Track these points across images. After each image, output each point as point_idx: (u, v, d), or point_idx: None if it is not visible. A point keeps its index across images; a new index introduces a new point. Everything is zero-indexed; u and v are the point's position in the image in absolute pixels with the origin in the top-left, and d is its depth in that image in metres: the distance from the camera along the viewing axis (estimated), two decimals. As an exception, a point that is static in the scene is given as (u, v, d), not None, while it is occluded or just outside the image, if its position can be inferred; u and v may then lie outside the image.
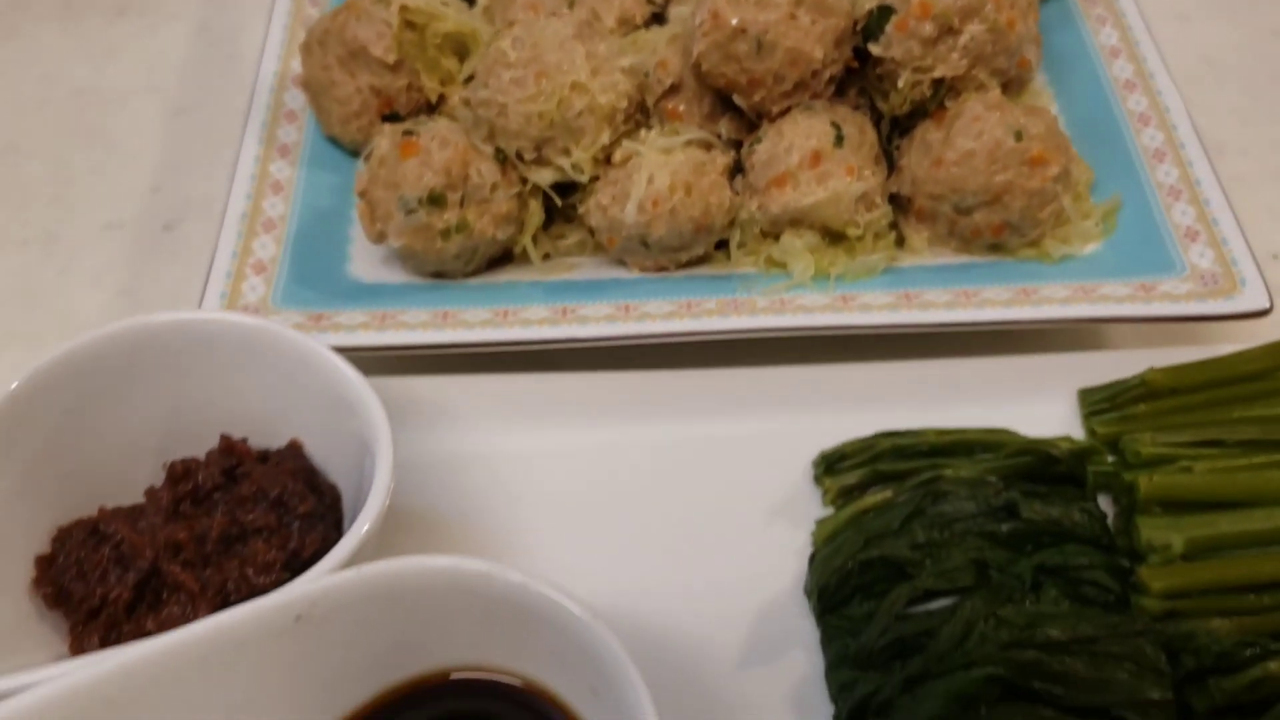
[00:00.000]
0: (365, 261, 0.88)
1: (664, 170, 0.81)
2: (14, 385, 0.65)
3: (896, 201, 0.88)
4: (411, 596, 0.59)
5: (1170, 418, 0.78)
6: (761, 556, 0.76)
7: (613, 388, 0.83)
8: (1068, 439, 0.78)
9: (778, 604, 0.75)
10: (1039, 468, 0.75)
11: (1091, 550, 0.72)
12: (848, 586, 0.73)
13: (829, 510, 0.78)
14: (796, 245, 0.84)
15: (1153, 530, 0.72)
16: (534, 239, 0.87)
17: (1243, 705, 0.66)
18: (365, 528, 0.61)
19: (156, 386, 0.71)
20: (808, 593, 0.75)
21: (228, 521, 0.68)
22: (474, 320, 0.82)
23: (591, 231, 0.87)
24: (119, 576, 0.65)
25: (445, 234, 0.82)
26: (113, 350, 0.69)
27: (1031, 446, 0.75)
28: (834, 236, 0.85)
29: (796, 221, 0.84)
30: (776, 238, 0.86)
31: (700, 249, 0.86)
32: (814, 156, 0.82)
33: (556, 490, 0.79)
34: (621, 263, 0.88)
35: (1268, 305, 0.81)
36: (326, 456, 0.73)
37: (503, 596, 0.59)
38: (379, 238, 0.84)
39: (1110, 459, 0.78)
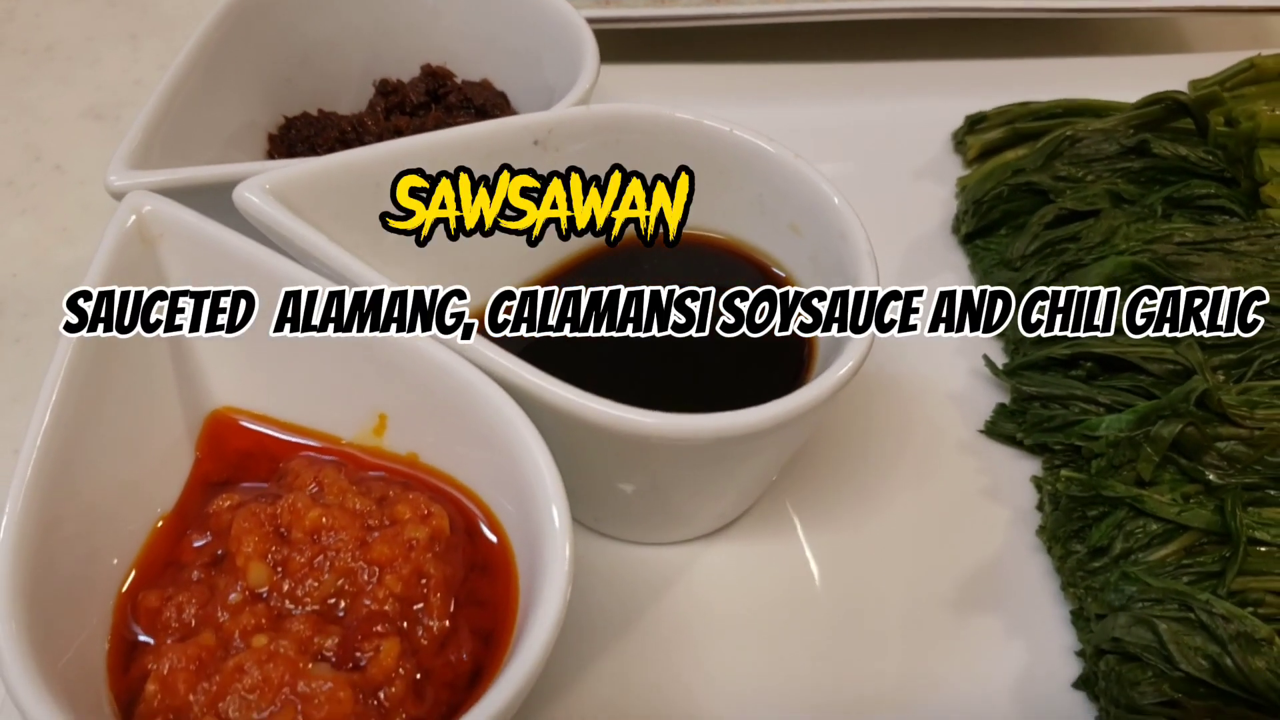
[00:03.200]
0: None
1: None
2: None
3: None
4: (632, 139, 0.65)
5: (1278, 99, 0.85)
6: (909, 206, 0.83)
7: (764, 76, 0.90)
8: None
9: (926, 240, 0.81)
10: (1165, 117, 0.82)
11: (1217, 184, 0.79)
12: (996, 211, 0.79)
13: (969, 171, 0.85)
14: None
15: (1274, 158, 0.78)
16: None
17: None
18: (590, 81, 0.67)
19: (364, 6, 0.77)
20: (955, 229, 0.81)
21: (440, 119, 0.74)
22: (634, 1, 0.89)
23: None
24: (346, 154, 0.71)
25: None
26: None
27: (1159, 96, 0.82)
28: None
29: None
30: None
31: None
32: None
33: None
34: (763, -25, 0.95)
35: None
36: (514, 100, 0.80)
37: (710, 142, 0.65)
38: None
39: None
